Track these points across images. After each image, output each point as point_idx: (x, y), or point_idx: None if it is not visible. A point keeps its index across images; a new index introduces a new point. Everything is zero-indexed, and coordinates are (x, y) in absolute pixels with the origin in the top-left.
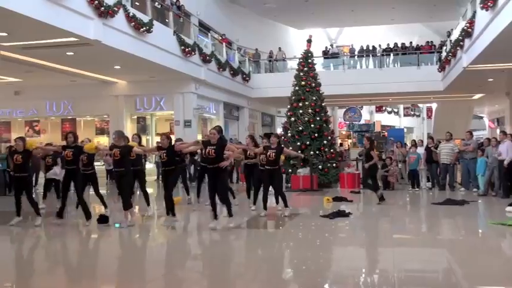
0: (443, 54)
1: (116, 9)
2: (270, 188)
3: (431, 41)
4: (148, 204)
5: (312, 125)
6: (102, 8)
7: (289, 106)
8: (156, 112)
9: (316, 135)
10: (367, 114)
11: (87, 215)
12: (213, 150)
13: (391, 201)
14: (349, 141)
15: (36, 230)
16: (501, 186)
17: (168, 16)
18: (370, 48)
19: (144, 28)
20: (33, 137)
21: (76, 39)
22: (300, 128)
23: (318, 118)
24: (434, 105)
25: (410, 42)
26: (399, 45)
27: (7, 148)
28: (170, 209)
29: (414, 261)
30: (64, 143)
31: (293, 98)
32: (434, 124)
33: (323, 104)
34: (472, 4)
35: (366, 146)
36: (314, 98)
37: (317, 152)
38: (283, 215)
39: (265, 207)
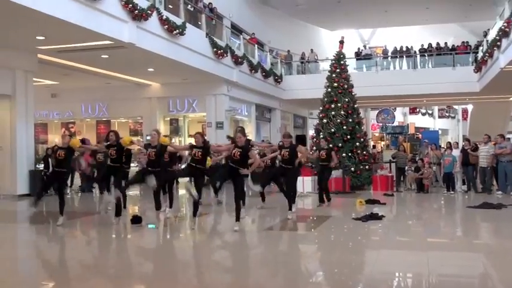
0: (480, 54)
1: (149, 12)
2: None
3: (467, 41)
4: (170, 206)
5: (344, 127)
6: (136, 11)
7: (321, 108)
8: (189, 114)
9: (348, 137)
10: (400, 115)
11: (119, 212)
12: (238, 153)
13: (425, 204)
14: (382, 143)
15: (58, 229)
16: None
17: (201, 18)
18: (404, 49)
19: (177, 31)
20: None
21: (111, 42)
22: (332, 130)
23: (350, 120)
24: (470, 107)
25: (445, 43)
26: (434, 45)
27: (46, 150)
28: (196, 211)
29: (449, 265)
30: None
31: (325, 99)
32: (469, 126)
33: (355, 106)
34: (510, 3)
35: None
36: (346, 99)
37: (349, 154)
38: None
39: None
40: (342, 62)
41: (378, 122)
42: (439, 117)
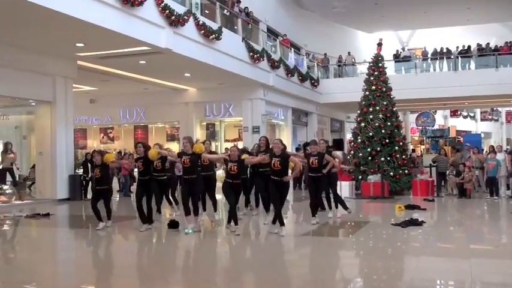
0: None
1: (186, 17)
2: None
3: (511, 42)
4: (215, 210)
5: (383, 131)
6: (173, 17)
7: (359, 111)
8: (225, 118)
9: (387, 141)
10: (441, 118)
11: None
12: (278, 162)
13: (468, 210)
14: (422, 147)
15: (99, 233)
16: None
17: (237, 23)
18: (444, 50)
19: (214, 35)
20: (107, 143)
21: (148, 48)
22: (371, 134)
23: (388, 123)
24: None
25: (487, 43)
26: (473, 46)
27: (84, 155)
28: (233, 218)
29: (493, 273)
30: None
31: (363, 103)
32: None
33: (394, 109)
34: None
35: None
36: (385, 102)
37: (388, 158)
38: (279, 233)
39: (313, 215)
40: (380, 65)
41: (417, 126)
42: (482, 120)
